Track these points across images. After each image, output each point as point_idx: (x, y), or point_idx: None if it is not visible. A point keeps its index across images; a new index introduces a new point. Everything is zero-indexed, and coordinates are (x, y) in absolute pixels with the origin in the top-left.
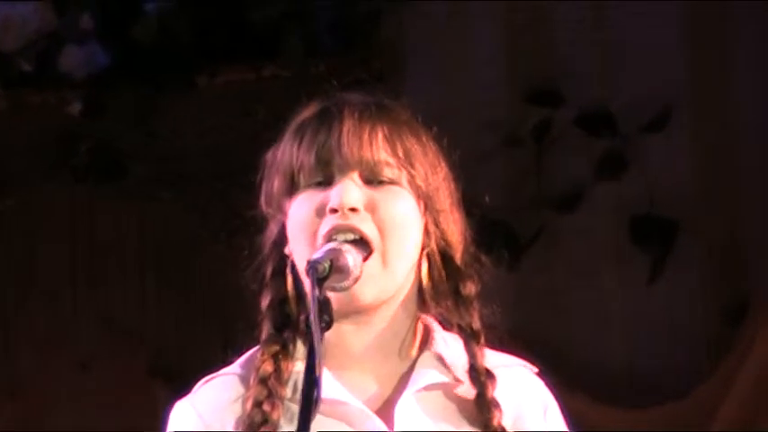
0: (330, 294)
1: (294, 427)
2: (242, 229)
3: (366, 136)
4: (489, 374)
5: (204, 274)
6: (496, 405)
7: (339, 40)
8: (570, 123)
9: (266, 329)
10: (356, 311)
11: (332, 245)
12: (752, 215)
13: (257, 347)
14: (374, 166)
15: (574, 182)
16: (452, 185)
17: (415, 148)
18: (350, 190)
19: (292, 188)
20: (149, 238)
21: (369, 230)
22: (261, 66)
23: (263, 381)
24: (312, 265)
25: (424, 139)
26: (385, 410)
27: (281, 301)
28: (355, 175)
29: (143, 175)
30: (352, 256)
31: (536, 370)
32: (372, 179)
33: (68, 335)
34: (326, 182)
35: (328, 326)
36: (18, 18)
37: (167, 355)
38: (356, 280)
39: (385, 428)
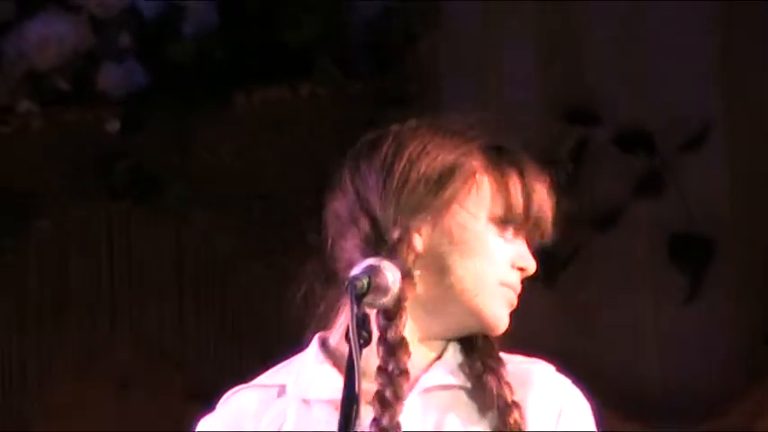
0: (485, 317)
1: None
2: (280, 248)
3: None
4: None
5: (242, 294)
6: (515, 405)
7: (373, 62)
8: (607, 143)
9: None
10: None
11: (371, 261)
12: None
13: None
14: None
15: (611, 201)
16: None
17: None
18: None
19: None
20: (186, 258)
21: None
22: (297, 85)
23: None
24: (351, 282)
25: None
26: None
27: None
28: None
29: (180, 194)
30: (390, 273)
31: (554, 369)
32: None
33: (105, 355)
34: (512, 230)
35: (366, 342)
36: (55, 36)
37: (205, 378)
38: (394, 297)
39: None
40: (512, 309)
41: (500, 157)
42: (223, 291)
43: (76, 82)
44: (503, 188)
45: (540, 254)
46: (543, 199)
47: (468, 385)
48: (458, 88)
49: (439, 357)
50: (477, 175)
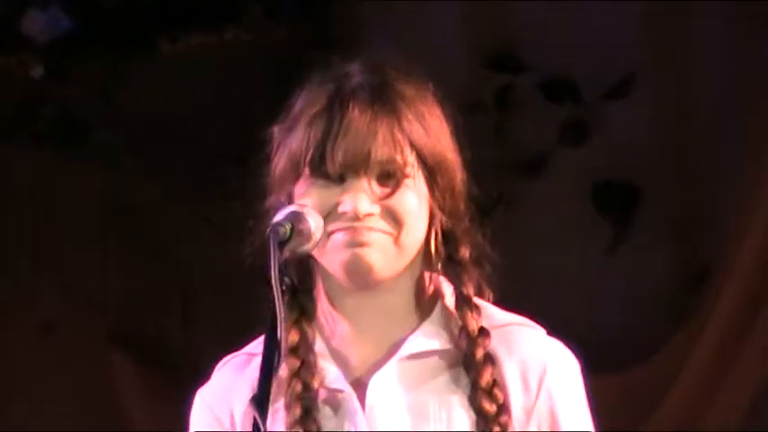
0: (338, 268)
1: None
2: (205, 194)
3: (375, 134)
4: (483, 333)
5: (166, 242)
6: (486, 363)
7: (298, 7)
8: (532, 90)
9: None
10: (365, 285)
11: (293, 208)
12: (712, 183)
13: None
14: (382, 164)
15: (535, 148)
16: (454, 147)
17: (421, 130)
18: (362, 196)
19: (298, 174)
20: (111, 204)
21: (382, 227)
22: (222, 30)
23: (294, 351)
24: (273, 228)
25: (427, 113)
26: (366, 380)
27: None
28: (364, 176)
29: (105, 142)
30: (313, 220)
31: (544, 331)
32: (380, 176)
33: (28, 300)
34: (336, 177)
35: (289, 288)
36: None
37: (127, 323)
38: (317, 243)
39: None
40: (367, 247)
41: (325, 98)
42: (148, 237)
43: (0, 28)
44: (307, 132)
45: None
46: (356, 136)
47: (450, 347)
48: (384, 34)
49: (422, 321)
50: (299, 126)
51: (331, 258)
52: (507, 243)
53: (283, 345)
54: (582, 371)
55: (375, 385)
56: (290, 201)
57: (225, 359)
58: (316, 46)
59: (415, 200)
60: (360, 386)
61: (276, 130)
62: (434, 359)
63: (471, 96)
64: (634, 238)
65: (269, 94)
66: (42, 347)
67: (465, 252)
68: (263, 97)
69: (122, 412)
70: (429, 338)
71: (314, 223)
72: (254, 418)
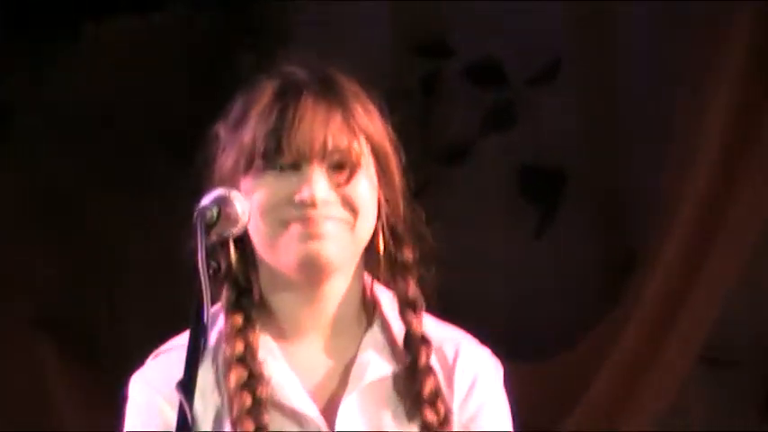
0: (292, 261)
1: None
2: (128, 182)
3: (329, 123)
4: (424, 341)
5: (92, 228)
6: (428, 372)
7: None
8: (458, 75)
9: (224, 301)
10: (317, 280)
11: (220, 192)
12: (639, 169)
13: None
14: (337, 152)
15: (461, 134)
16: (394, 148)
17: (369, 123)
18: (319, 184)
19: (250, 167)
20: (36, 189)
21: (338, 214)
22: (148, 14)
23: (241, 361)
24: (200, 212)
25: (371, 107)
26: (330, 407)
27: (228, 271)
28: (320, 165)
29: (30, 127)
30: (240, 204)
31: (477, 342)
32: (336, 165)
33: None
34: (290, 167)
35: (216, 272)
36: None
37: (51, 308)
38: (244, 227)
39: None
40: (324, 240)
41: (273, 92)
42: (74, 224)
43: None
44: (259, 125)
45: None
46: (312, 125)
47: (398, 369)
48: (309, 20)
49: (369, 323)
50: (248, 121)
51: (284, 251)
52: (433, 229)
53: (208, 333)
54: (503, 358)
55: (343, 415)
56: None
57: (159, 350)
58: (241, 32)
59: (369, 188)
60: (325, 410)
61: (221, 129)
62: (388, 383)
63: (398, 82)
64: (561, 224)
65: (194, 79)
66: None
67: (409, 253)
68: (188, 83)
69: (47, 400)
70: (380, 358)
71: (241, 207)
72: (181, 404)
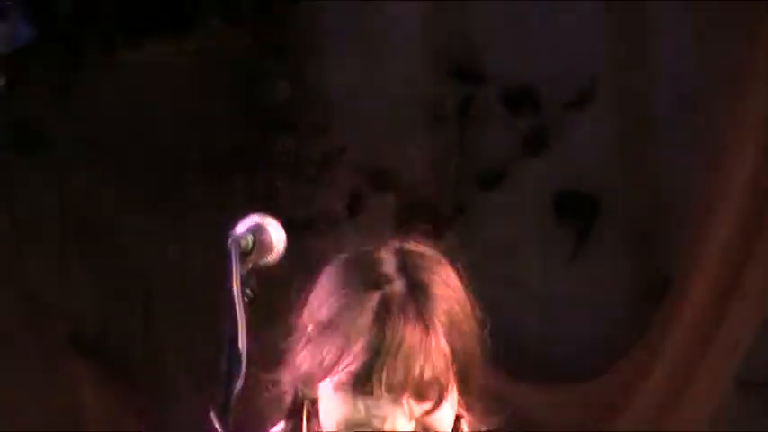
0: None
1: None
2: (163, 202)
3: (423, 355)
4: None
5: (125, 247)
6: None
7: (257, 14)
8: (493, 100)
9: None
10: None
11: (255, 219)
12: (672, 193)
13: None
14: (430, 384)
15: (497, 159)
16: (480, 338)
17: (459, 336)
18: (401, 418)
19: (335, 379)
20: (69, 211)
21: None
22: (181, 37)
23: None
24: (234, 240)
25: (458, 298)
26: None
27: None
28: (405, 395)
29: (65, 149)
30: (275, 231)
31: None
32: (421, 395)
33: None
34: (370, 390)
35: (252, 300)
36: None
37: (89, 329)
38: (279, 255)
39: None
40: None
41: (371, 309)
42: (106, 244)
43: None
44: (352, 345)
45: (426, 212)
46: (406, 359)
47: None
48: (342, 43)
49: None
50: (339, 332)
51: None
52: (469, 254)
53: (243, 361)
54: (537, 382)
55: None
56: (313, 383)
57: None
58: (274, 53)
59: (450, 415)
60: None
61: (305, 322)
62: None
63: (434, 107)
64: (594, 248)
65: (226, 102)
66: (2, 355)
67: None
68: (222, 105)
69: (83, 419)
70: None
71: (276, 236)
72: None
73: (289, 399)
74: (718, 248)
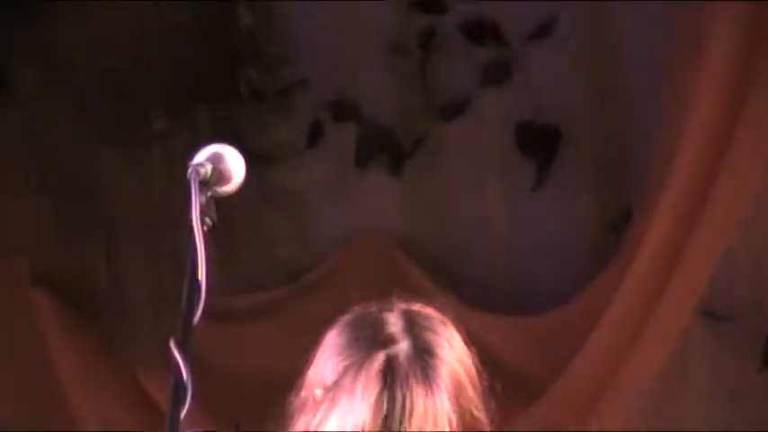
0: None
1: None
2: (126, 135)
3: (432, 417)
4: None
5: (87, 181)
6: None
7: None
8: (455, 31)
9: None
10: None
11: (214, 148)
12: (635, 125)
13: None
14: None
15: (459, 91)
16: (485, 399)
17: (463, 400)
18: None
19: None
20: (31, 148)
21: None
22: None
23: None
24: (194, 169)
25: (460, 360)
26: None
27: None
28: None
29: (27, 82)
30: (234, 161)
31: None
32: None
33: None
34: None
35: (210, 229)
36: None
37: (50, 266)
38: (237, 185)
39: None
40: None
41: (383, 377)
42: (71, 180)
43: None
44: (363, 409)
45: (387, 142)
46: (412, 418)
47: None
48: None
49: None
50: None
51: None
52: (430, 186)
53: (203, 289)
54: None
55: None
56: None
57: None
58: None
59: None
60: None
61: (311, 383)
62: None
63: (394, 38)
64: (557, 180)
65: (191, 33)
66: None
67: None
68: (185, 37)
69: (47, 357)
70: None
71: (235, 165)
72: (176, 362)
73: None
74: (680, 180)
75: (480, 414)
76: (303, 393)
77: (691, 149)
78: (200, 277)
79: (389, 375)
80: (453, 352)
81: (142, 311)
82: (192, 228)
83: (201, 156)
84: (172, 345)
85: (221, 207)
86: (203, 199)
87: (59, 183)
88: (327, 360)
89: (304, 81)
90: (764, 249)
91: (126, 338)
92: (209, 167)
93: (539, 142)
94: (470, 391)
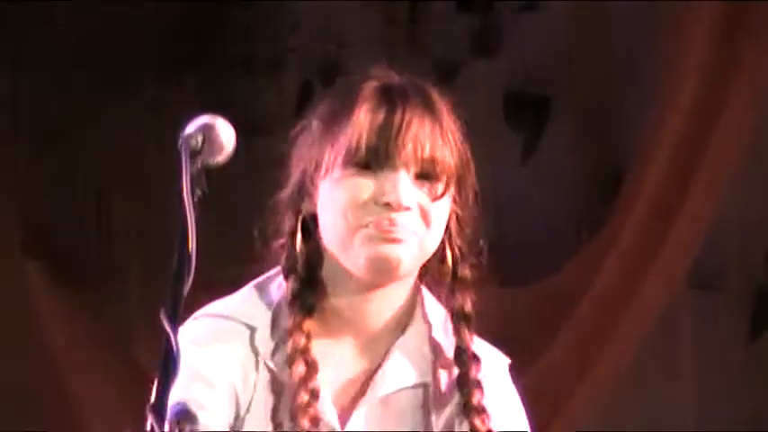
0: (363, 261)
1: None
2: (117, 101)
3: (432, 133)
4: (475, 358)
5: (77, 147)
6: (477, 385)
7: None
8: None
9: (288, 292)
10: (385, 281)
11: (205, 119)
12: (624, 93)
13: (248, 289)
14: (429, 164)
15: (447, 59)
16: (473, 166)
17: (458, 142)
18: (406, 189)
19: (347, 165)
20: (21, 111)
21: (414, 226)
22: None
23: (302, 353)
24: (185, 139)
25: (458, 126)
26: (347, 412)
27: (293, 263)
28: (410, 171)
29: (21, 40)
30: (225, 131)
31: (509, 361)
32: (424, 176)
33: None
34: (375, 167)
35: (201, 200)
36: None
37: (40, 230)
38: (229, 156)
39: None
40: (398, 243)
41: (378, 93)
42: (57, 143)
43: None
44: (364, 122)
45: None
46: (418, 132)
47: (429, 380)
48: None
49: (403, 330)
50: (351, 114)
51: (358, 249)
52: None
53: (193, 260)
54: (495, 281)
55: (354, 424)
56: (312, 190)
57: (212, 313)
58: None
59: (446, 206)
60: (342, 414)
61: (312, 122)
62: (410, 393)
63: (384, 7)
64: (546, 148)
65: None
66: None
67: (469, 270)
68: (176, 3)
69: (35, 322)
70: (408, 366)
71: (225, 135)
72: (167, 335)
73: (288, 221)
74: (670, 147)
75: (471, 167)
76: (302, 136)
77: (680, 116)
78: (190, 248)
79: (386, 92)
80: (449, 110)
81: (134, 282)
82: (182, 199)
83: (192, 126)
84: (162, 315)
85: (211, 177)
86: (193, 169)
87: (49, 147)
88: (322, 106)
89: (294, 49)
90: (754, 218)
91: (117, 308)
92: (199, 138)
93: (527, 111)
94: (464, 143)
